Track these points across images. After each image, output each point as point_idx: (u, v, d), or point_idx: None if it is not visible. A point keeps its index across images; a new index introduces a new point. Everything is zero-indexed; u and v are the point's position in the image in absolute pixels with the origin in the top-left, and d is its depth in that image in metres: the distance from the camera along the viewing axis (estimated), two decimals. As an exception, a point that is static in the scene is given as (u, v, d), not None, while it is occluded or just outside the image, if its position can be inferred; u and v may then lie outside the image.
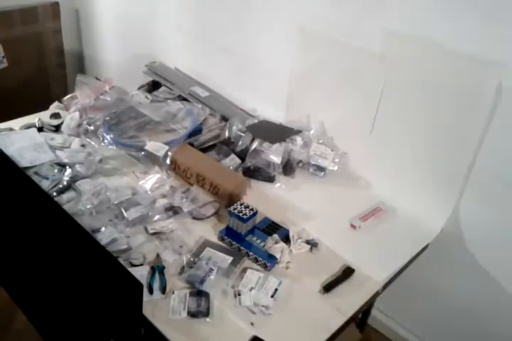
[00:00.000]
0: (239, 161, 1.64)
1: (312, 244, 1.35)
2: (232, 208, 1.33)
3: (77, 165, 1.53)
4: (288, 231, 1.37)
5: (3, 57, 2.36)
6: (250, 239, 1.33)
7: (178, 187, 1.51)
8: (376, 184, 1.63)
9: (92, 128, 1.69)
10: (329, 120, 1.71)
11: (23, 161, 1.52)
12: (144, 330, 1.11)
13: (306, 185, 1.63)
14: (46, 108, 1.85)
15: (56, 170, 1.49)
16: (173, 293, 1.16)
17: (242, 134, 1.71)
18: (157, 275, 1.20)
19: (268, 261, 1.26)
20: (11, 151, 1.54)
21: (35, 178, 1.45)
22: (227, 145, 1.70)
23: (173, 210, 1.41)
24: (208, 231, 1.38)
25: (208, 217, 1.43)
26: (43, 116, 1.77)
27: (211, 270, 1.21)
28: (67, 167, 1.51)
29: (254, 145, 1.65)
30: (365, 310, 1.81)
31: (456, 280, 1.61)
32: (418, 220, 1.49)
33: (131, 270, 1.13)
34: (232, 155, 1.66)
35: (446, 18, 1.27)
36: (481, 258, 1.51)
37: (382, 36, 1.41)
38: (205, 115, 1.79)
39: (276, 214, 1.44)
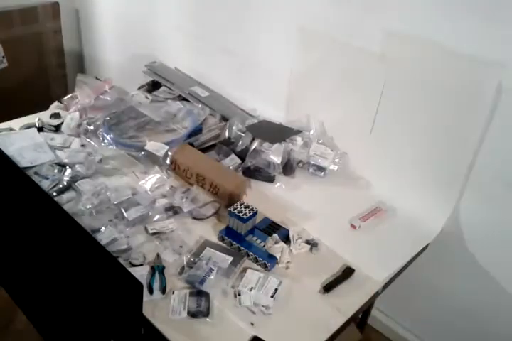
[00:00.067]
0: (239, 161, 1.64)
1: (312, 244, 1.35)
2: (232, 208, 1.33)
3: (77, 165, 1.53)
4: (288, 231, 1.37)
5: (3, 57, 2.36)
6: (250, 239, 1.33)
7: (178, 187, 1.51)
8: (376, 184, 1.63)
9: (92, 128, 1.69)
10: (329, 120, 1.71)
11: (23, 161, 1.52)
12: (144, 330, 1.11)
13: (306, 185, 1.63)
14: (46, 108, 1.85)
15: (56, 170, 1.49)
16: (173, 293, 1.16)
17: (242, 134, 1.71)
18: (157, 275, 1.20)
19: (268, 261, 1.26)
20: (11, 151, 1.54)
21: (35, 178, 1.45)
22: (227, 146, 1.70)
23: (173, 210, 1.41)
24: (208, 231, 1.38)
25: (208, 217, 1.43)
26: (43, 116, 1.77)
27: (211, 270, 1.21)
28: (67, 167, 1.51)
29: (254, 145, 1.65)
30: (365, 310, 1.81)
31: (456, 280, 1.61)
32: (418, 220, 1.49)
33: (131, 270, 1.13)
34: (232, 155, 1.66)
35: (446, 18, 1.27)
36: (481, 258, 1.51)
37: (382, 36, 1.41)
38: (205, 115, 1.79)
39: (276, 214, 1.44)
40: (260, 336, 1.10)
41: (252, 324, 1.13)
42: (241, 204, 1.34)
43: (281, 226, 1.39)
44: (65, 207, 1.35)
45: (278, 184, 1.62)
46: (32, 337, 1.76)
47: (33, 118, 1.75)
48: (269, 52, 1.78)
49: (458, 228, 1.51)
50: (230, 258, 1.28)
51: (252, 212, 1.32)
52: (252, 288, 1.20)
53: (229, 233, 1.34)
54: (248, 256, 1.30)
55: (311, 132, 1.73)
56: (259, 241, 1.32)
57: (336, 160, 1.66)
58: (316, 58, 1.64)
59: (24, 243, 1.31)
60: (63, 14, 2.51)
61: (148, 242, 1.31)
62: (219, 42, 1.95)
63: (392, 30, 1.39)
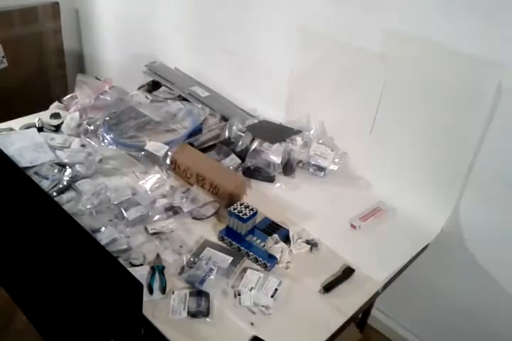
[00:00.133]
0: (239, 161, 1.64)
1: (312, 244, 1.35)
2: (232, 208, 1.33)
3: (77, 165, 1.53)
4: (288, 231, 1.37)
5: (3, 57, 2.36)
6: (250, 239, 1.33)
7: (178, 187, 1.51)
8: (376, 184, 1.63)
9: (92, 128, 1.69)
10: (329, 120, 1.71)
11: (23, 161, 1.52)
12: (144, 330, 1.11)
13: (306, 185, 1.63)
14: (46, 108, 1.85)
15: (56, 170, 1.49)
16: (173, 293, 1.16)
17: (242, 134, 1.71)
18: (157, 275, 1.20)
19: (268, 261, 1.26)
20: (11, 151, 1.54)
21: (35, 178, 1.45)
22: (227, 146, 1.70)
23: (173, 210, 1.41)
24: (208, 231, 1.38)
25: (208, 217, 1.43)
26: (43, 116, 1.77)
27: (211, 270, 1.21)
28: (67, 167, 1.51)
29: (254, 145, 1.65)
30: (365, 310, 1.81)
31: (456, 280, 1.61)
32: (418, 220, 1.49)
33: (131, 270, 1.13)
34: (232, 155, 1.66)
35: (446, 18, 1.27)
36: (481, 258, 1.51)
37: (382, 36, 1.41)
38: (205, 115, 1.79)
39: (276, 214, 1.44)
40: (260, 336, 1.10)
41: (252, 324, 1.13)
42: (241, 204, 1.34)
43: (281, 226, 1.39)
44: (65, 207, 1.35)
45: (278, 184, 1.62)
46: (32, 337, 1.76)
47: (33, 118, 1.75)
48: (269, 52, 1.78)
49: (458, 228, 1.51)
50: (230, 258, 1.28)
51: (252, 212, 1.32)
52: (252, 288, 1.20)
53: (229, 233, 1.34)
54: (248, 256, 1.30)
55: (311, 132, 1.73)
56: (259, 241, 1.32)
57: (336, 160, 1.66)
58: (316, 58, 1.64)
59: (24, 243, 1.31)
60: (63, 14, 2.51)
61: (148, 242, 1.31)
62: (219, 42, 1.95)
63: (392, 30, 1.39)
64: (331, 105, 1.67)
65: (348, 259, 1.34)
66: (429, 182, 1.51)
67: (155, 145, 1.59)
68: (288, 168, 1.65)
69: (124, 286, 1.02)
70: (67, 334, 1.43)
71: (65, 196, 1.42)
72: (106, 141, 1.65)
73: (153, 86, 2.06)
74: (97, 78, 1.99)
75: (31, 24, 2.41)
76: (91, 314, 1.17)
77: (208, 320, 1.12)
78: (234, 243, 1.31)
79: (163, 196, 1.46)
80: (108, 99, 1.84)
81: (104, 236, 1.27)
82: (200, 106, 1.84)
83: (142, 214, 1.37)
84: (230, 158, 1.65)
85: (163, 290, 1.17)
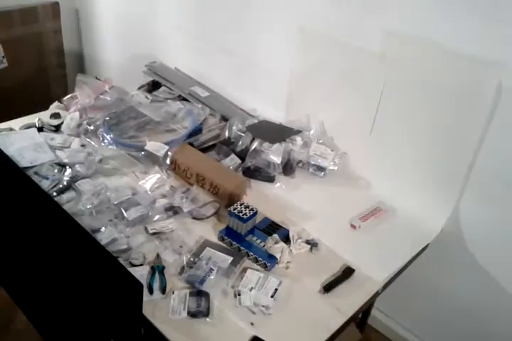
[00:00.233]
0: (239, 161, 1.64)
1: (312, 244, 1.35)
2: (232, 208, 1.33)
3: (77, 165, 1.53)
4: (288, 231, 1.37)
5: (3, 57, 2.36)
6: (250, 239, 1.33)
7: (178, 187, 1.51)
8: (376, 184, 1.63)
9: (92, 128, 1.69)
10: (329, 120, 1.71)
11: (23, 161, 1.52)
12: (144, 330, 1.11)
13: (306, 185, 1.63)
14: (46, 108, 1.85)
15: (56, 170, 1.49)
16: (173, 293, 1.16)
17: (242, 134, 1.71)
18: (157, 275, 1.20)
19: (268, 261, 1.26)
20: (11, 151, 1.54)
21: (35, 178, 1.45)
22: (227, 146, 1.70)
23: (173, 210, 1.41)
24: (208, 231, 1.38)
25: (208, 217, 1.43)
26: (43, 116, 1.77)
27: (211, 270, 1.21)
28: (67, 167, 1.51)
29: (254, 145, 1.65)
30: (365, 310, 1.81)
31: (456, 280, 1.61)
32: (418, 220, 1.49)
33: (131, 270, 1.13)
34: (232, 155, 1.66)
35: (446, 18, 1.27)
36: (481, 258, 1.51)
37: (382, 36, 1.41)
38: (205, 115, 1.79)
39: (276, 214, 1.44)
40: (260, 336, 1.10)
41: (252, 324, 1.13)
42: (241, 204, 1.34)
43: (281, 226, 1.39)
44: (65, 207, 1.35)
45: (278, 184, 1.62)
46: (32, 337, 1.76)
47: (33, 118, 1.75)
48: (269, 52, 1.78)
49: (458, 228, 1.51)
50: (230, 258, 1.28)
51: (252, 212, 1.32)
52: (252, 288, 1.20)
53: (229, 233, 1.34)
54: (248, 256, 1.30)
55: (311, 132, 1.73)
56: (259, 241, 1.32)
57: (336, 160, 1.66)
58: (316, 58, 1.64)
59: (24, 243, 1.31)
60: (63, 14, 2.51)
61: (148, 242, 1.31)
62: (219, 42, 1.95)
63: (392, 30, 1.39)
64: (331, 105, 1.67)
65: (348, 259, 1.34)
66: (429, 182, 1.51)
67: (155, 145, 1.59)
68: (288, 168, 1.65)
69: (124, 286, 1.02)
70: (67, 334, 1.43)
71: (65, 196, 1.42)
72: (106, 141, 1.65)
73: (153, 86, 2.06)
74: (97, 78, 1.99)
75: (31, 24, 2.41)
76: (91, 314, 1.17)
77: (208, 320, 1.12)
78: (234, 243, 1.31)
79: (163, 196, 1.46)
80: (108, 99, 1.84)
81: (104, 236, 1.27)
82: (200, 106, 1.84)
83: (142, 214, 1.37)
84: (230, 158, 1.65)
85: (163, 290, 1.17)
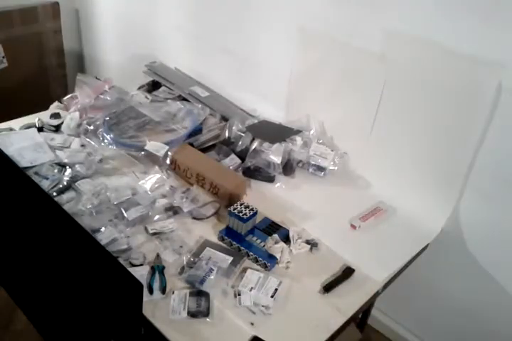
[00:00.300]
0: (239, 161, 1.64)
1: (312, 244, 1.35)
2: (232, 208, 1.33)
3: (77, 165, 1.53)
4: (288, 231, 1.37)
5: (3, 57, 2.36)
6: (250, 239, 1.33)
7: (178, 187, 1.51)
8: (376, 184, 1.63)
9: (92, 128, 1.69)
10: (329, 120, 1.71)
11: (23, 161, 1.52)
12: (144, 330, 1.11)
13: (306, 185, 1.63)
14: (46, 108, 1.85)
15: (56, 170, 1.49)
16: (173, 293, 1.16)
17: (242, 134, 1.71)
18: (157, 275, 1.20)
19: (268, 261, 1.26)
20: (11, 151, 1.54)
21: (35, 178, 1.45)
22: (227, 146, 1.70)
23: (173, 210, 1.41)
24: (208, 231, 1.38)
25: (207, 217, 1.43)
26: (43, 116, 1.77)
27: (211, 270, 1.21)
28: (67, 167, 1.51)
29: (254, 145, 1.65)
30: (365, 310, 1.81)
31: (456, 280, 1.61)
32: (418, 220, 1.49)
33: (131, 270, 1.13)
34: (232, 155, 1.66)
35: (446, 18, 1.27)
36: (481, 258, 1.51)
37: (382, 36, 1.41)
38: (205, 115, 1.79)
39: (276, 214, 1.44)
40: (260, 336, 1.10)
41: (252, 324, 1.13)
42: (241, 204, 1.34)
43: (281, 226, 1.39)
44: (65, 207, 1.35)
45: (278, 184, 1.62)
46: (32, 337, 1.76)
47: (33, 119, 1.75)
48: (269, 52, 1.78)
49: (458, 228, 1.51)
50: (230, 258, 1.28)
51: (252, 212, 1.32)
52: (252, 288, 1.20)
53: (229, 233, 1.34)
54: (248, 256, 1.30)
55: (311, 132, 1.73)
56: (259, 241, 1.32)
57: (336, 160, 1.66)
58: (316, 58, 1.64)
59: (24, 243, 1.31)
60: (63, 14, 2.51)
61: (148, 242, 1.31)
62: (219, 42, 1.95)
63: (392, 30, 1.39)
64: (331, 105, 1.67)
65: (348, 259, 1.34)
66: (429, 182, 1.51)
67: (155, 145, 1.59)
68: (288, 168, 1.65)
69: (124, 286, 1.02)
70: (67, 334, 1.43)
71: (65, 196, 1.42)
72: (106, 141, 1.65)
73: (153, 86, 2.06)
74: (97, 78, 1.99)
75: (31, 24, 2.41)
76: (91, 314, 1.17)
77: (208, 320, 1.12)
78: (234, 243, 1.31)
79: (163, 196, 1.46)
80: (108, 99, 1.84)
81: (104, 236, 1.27)
82: (200, 106, 1.84)
83: (142, 214, 1.37)
84: (230, 158, 1.65)
85: (163, 290, 1.17)
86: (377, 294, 1.29)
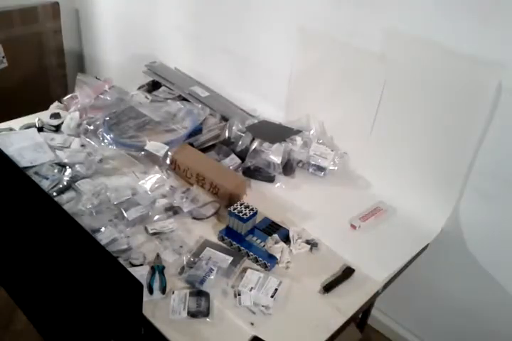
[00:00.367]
0: (239, 161, 1.64)
1: (312, 244, 1.35)
2: (232, 208, 1.33)
3: (77, 165, 1.53)
4: (288, 231, 1.37)
5: (3, 57, 2.36)
6: (250, 239, 1.33)
7: (178, 187, 1.51)
8: (376, 184, 1.63)
9: (92, 128, 1.69)
10: (329, 120, 1.71)
11: (23, 161, 1.52)
12: (144, 330, 1.11)
13: (306, 185, 1.63)
14: (46, 108, 1.85)
15: (56, 170, 1.49)
16: (173, 293, 1.16)
17: (242, 134, 1.71)
18: (157, 275, 1.20)
19: (268, 261, 1.26)
20: (11, 151, 1.54)
21: (35, 178, 1.45)
22: (227, 146, 1.70)
23: (173, 210, 1.41)
24: (208, 231, 1.38)
25: (207, 217, 1.43)
26: (43, 116, 1.77)
27: (211, 270, 1.21)
28: (67, 167, 1.51)
29: (254, 145, 1.65)
30: (365, 310, 1.81)
31: (456, 280, 1.61)
32: (418, 220, 1.49)
33: (131, 270, 1.13)
34: (232, 155, 1.66)
35: (446, 18, 1.28)
36: (481, 258, 1.51)
37: (382, 36, 1.41)
38: (205, 115, 1.79)
39: (276, 214, 1.44)
40: (260, 336, 1.10)
41: (252, 324, 1.13)
42: (241, 204, 1.34)
43: (281, 226, 1.39)
44: (65, 207, 1.35)
45: (278, 184, 1.62)
46: (32, 337, 1.76)
47: (33, 119, 1.75)
48: (269, 52, 1.78)
49: (458, 228, 1.51)
50: (230, 258, 1.28)
51: (252, 212, 1.32)
52: (252, 288, 1.20)
53: (229, 233, 1.34)
54: (248, 256, 1.30)
55: (311, 132, 1.73)
56: (259, 241, 1.32)
57: (336, 160, 1.66)
58: (316, 58, 1.64)
59: (24, 243, 1.31)
60: (63, 14, 2.51)
61: (148, 242, 1.31)
62: (219, 42, 1.95)
63: (392, 30, 1.39)
64: (331, 105, 1.67)
65: (348, 259, 1.34)
66: (429, 182, 1.51)
67: (155, 145, 1.59)
68: (288, 168, 1.65)
69: (124, 286, 1.02)
70: (67, 334, 1.43)
71: (65, 196, 1.42)
72: (106, 140, 1.65)
73: (153, 86, 2.06)
74: (97, 78, 2.00)
75: (31, 24, 2.41)
76: (91, 314, 1.17)
77: (208, 320, 1.12)
78: (234, 243, 1.31)
79: (163, 196, 1.46)
80: (108, 99, 1.84)
81: (104, 236, 1.27)
82: (200, 106, 1.84)
83: (142, 214, 1.37)
84: (230, 158, 1.65)
85: (163, 290, 1.17)
86: (377, 294, 1.29)
